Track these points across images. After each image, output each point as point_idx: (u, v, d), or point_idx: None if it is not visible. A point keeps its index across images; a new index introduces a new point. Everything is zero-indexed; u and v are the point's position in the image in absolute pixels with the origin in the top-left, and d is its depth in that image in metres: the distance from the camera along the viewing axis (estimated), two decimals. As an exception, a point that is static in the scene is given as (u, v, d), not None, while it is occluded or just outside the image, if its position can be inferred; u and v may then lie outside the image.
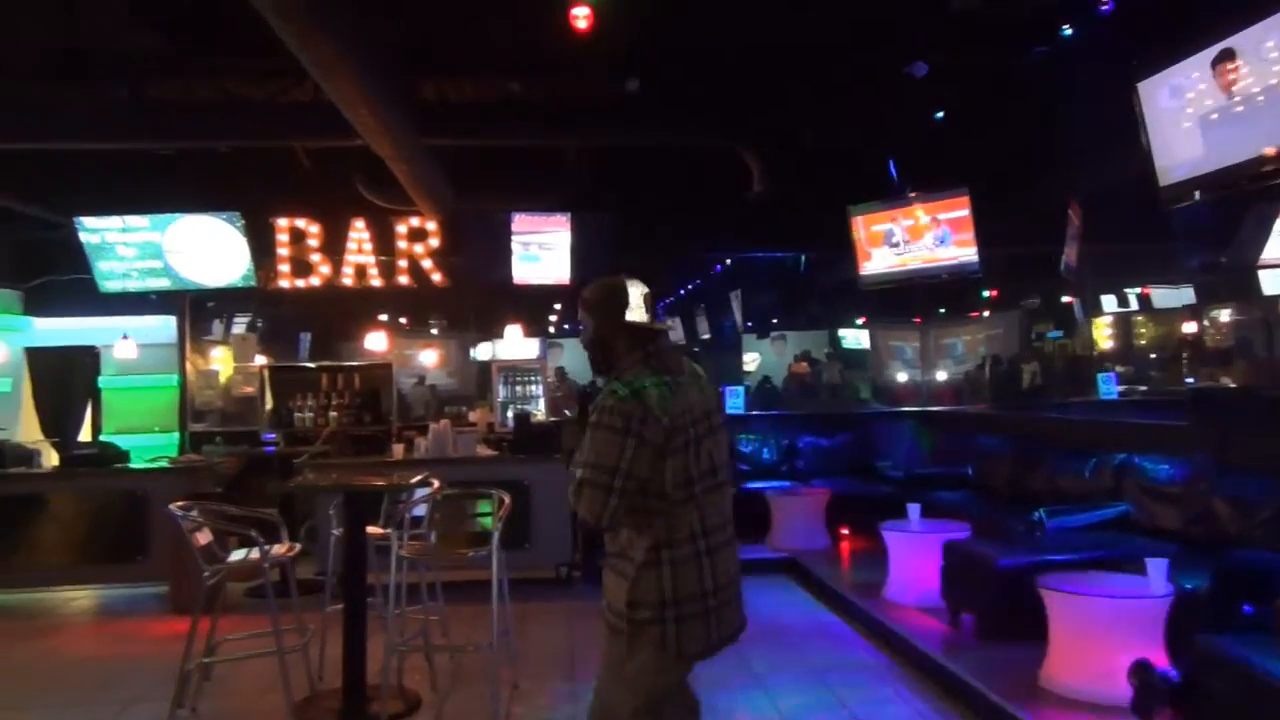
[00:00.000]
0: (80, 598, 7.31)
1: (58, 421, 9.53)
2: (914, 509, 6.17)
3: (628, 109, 7.34)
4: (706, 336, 19.24)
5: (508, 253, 9.60)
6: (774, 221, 10.23)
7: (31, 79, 6.59)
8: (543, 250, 9.72)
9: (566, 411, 10.28)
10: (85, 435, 9.52)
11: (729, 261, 15.77)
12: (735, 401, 10.00)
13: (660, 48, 6.70)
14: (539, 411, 10.17)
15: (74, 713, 4.78)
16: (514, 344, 12.55)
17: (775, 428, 9.93)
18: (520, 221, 9.61)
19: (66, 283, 9.72)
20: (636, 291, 2.71)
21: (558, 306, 18.47)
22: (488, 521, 5.08)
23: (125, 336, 9.54)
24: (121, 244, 9.10)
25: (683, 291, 20.25)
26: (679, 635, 2.55)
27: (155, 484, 7.15)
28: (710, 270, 17.38)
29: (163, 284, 9.25)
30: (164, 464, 7.65)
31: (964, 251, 8.86)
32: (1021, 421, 8.28)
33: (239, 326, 11.39)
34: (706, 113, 7.55)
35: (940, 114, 7.55)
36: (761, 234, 11.34)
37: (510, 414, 9.35)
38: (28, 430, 9.36)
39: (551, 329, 19.48)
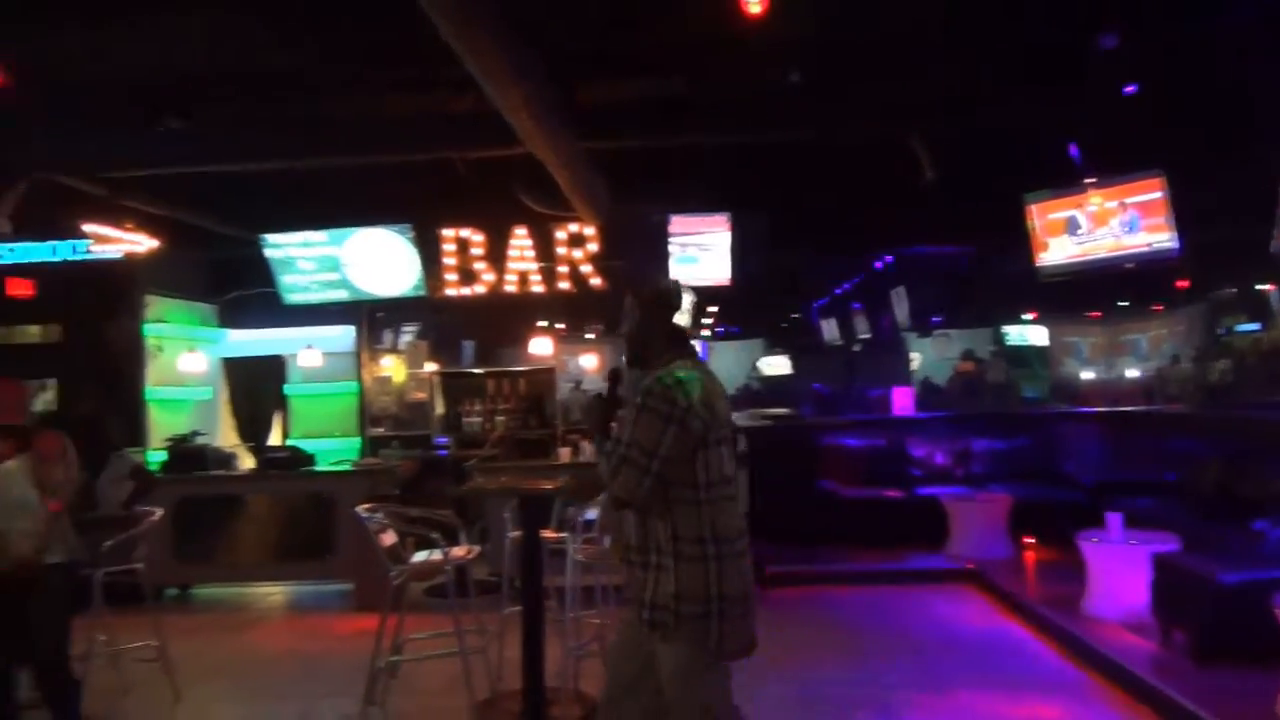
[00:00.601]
0: (275, 593, 7.73)
1: (252, 426, 10.19)
2: (1114, 519, 5.71)
3: (790, 101, 7.15)
4: (865, 336, 18.70)
5: (665, 255, 9.58)
6: (940, 213, 9.78)
7: (221, 105, 7.01)
8: (701, 251, 9.65)
9: None
10: (276, 439, 10.13)
11: (890, 258, 15.26)
12: (903, 403, 9.61)
13: (823, 36, 6.49)
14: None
15: (273, 705, 5.03)
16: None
17: (947, 430, 9.48)
18: (678, 223, 9.57)
19: (255, 296, 10.34)
20: (688, 299, 3.00)
21: (714, 309, 18.36)
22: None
23: (309, 346, 10.06)
24: (302, 258, 9.61)
25: (839, 290, 19.77)
26: (721, 631, 2.56)
27: (339, 486, 7.48)
28: (869, 267, 16.87)
29: (341, 295, 9.71)
30: (347, 467, 8.00)
31: (1157, 237, 8.19)
32: (1231, 422, 7.57)
33: (410, 335, 11.84)
34: (872, 100, 7.27)
35: (1130, 89, 6.98)
36: (927, 227, 10.88)
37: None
38: (226, 435, 10.03)
39: (708, 331, 19.39)
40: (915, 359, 18.20)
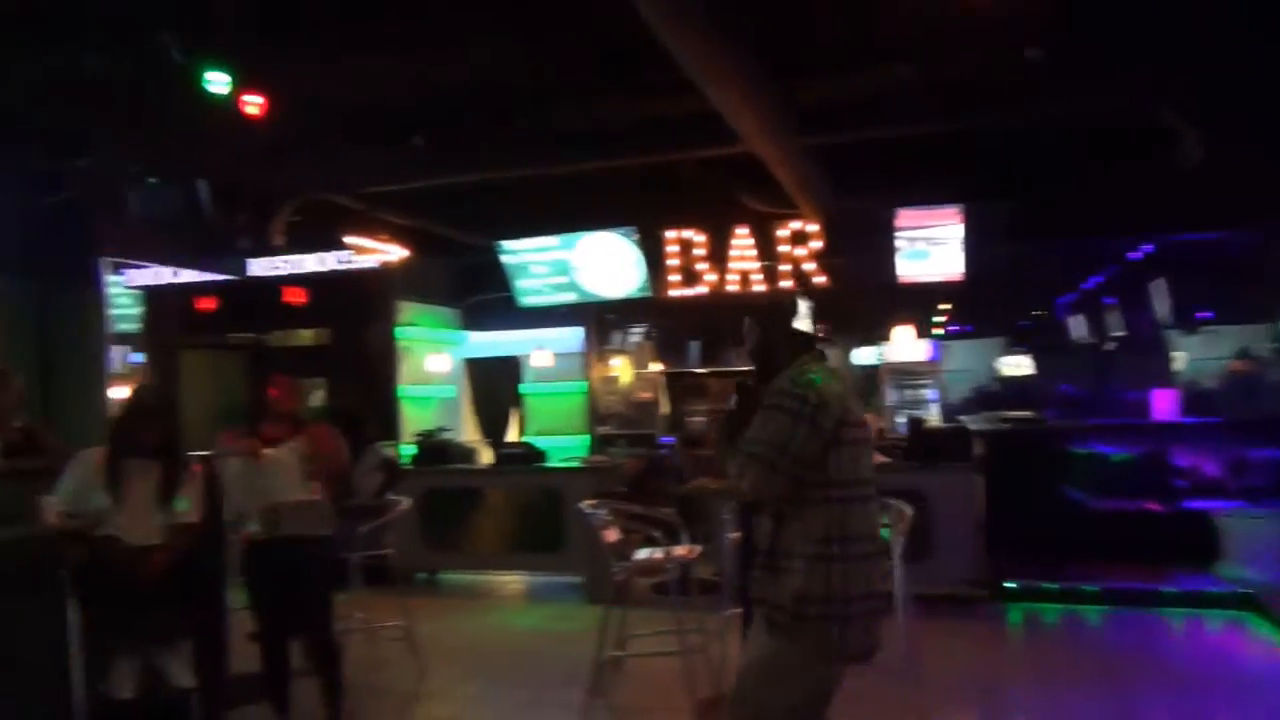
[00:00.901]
0: (511, 582, 8.15)
1: (491, 423, 10.79)
2: None
3: (1030, 82, 6.65)
4: (1120, 334, 17.12)
5: (891, 250, 9.22)
6: (1206, 196, 8.77)
7: (462, 121, 7.45)
8: (931, 245, 9.19)
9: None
10: (512, 435, 10.68)
11: (1149, 247, 13.87)
12: (1165, 406, 8.71)
13: (1064, 7, 5.98)
14: (932, 416, 9.63)
15: (507, 689, 5.27)
16: (903, 346, 12.07)
17: (1218, 437, 8.49)
18: (905, 217, 9.17)
19: (494, 300, 10.95)
20: (804, 304, 2.87)
21: (945, 306, 17.48)
22: (885, 533, 4.80)
23: (540, 347, 10.52)
24: (535, 263, 10.06)
25: (1088, 284, 18.22)
26: (843, 634, 2.50)
27: (570, 482, 7.76)
28: (1123, 258, 15.42)
29: (570, 297, 10.08)
30: (576, 464, 8.29)
31: None
32: None
33: (636, 336, 12.12)
34: (1124, 74, 6.62)
35: None
36: (1190, 211, 9.78)
37: (901, 419, 8.94)
38: (468, 431, 10.69)
39: (939, 330, 18.52)
40: (1179, 358, 16.46)
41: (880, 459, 7.26)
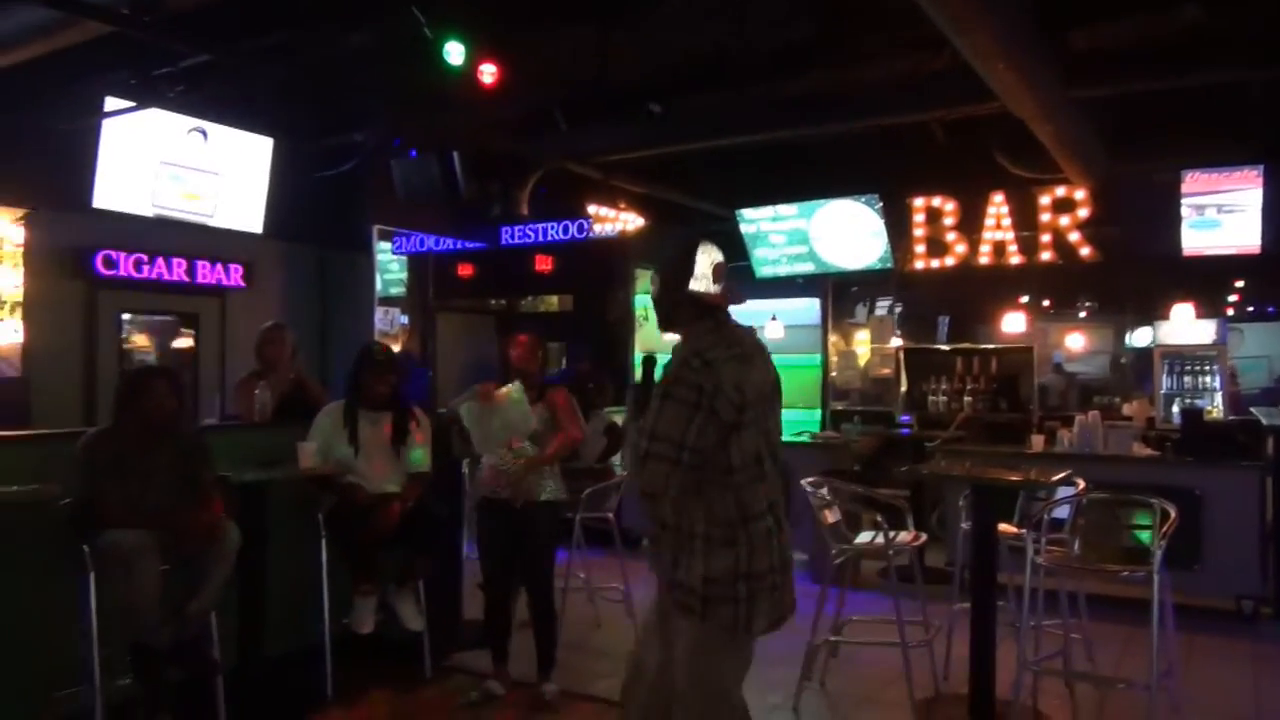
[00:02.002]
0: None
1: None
2: None
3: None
4: None
5: (1175, 219, 8.19)
6: None
7: (699, 87, 7.37)
8: (1223, 214, 8.08)
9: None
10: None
11: None
12: None
13: None
14: (1215, 407, 8.53)
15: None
16: (1181, 327, 10.75)
17: None
18: (1193, 181, 8.11)
19: (730, 270, 10.86)
20: (706, 259, 2.61)
21: (1239, 283, 15.42)
22: (1145, 535, 4.27)
23: (773, 318, 10.33)
24: (773, 232, 9.86)
25: None
26: (751, 612, 2.50)
27: (798, 457, 7.54)
28: None
29: (807, 268, 9.81)
30: (806, 439, 8.07)
31: None
32: None
33: (880, 310, 11.62)
34: None
35: None
36: None
37: (1176, 409, 7.97)
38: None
39: (1231, 309, 16.39)
40: None
41: (1146, 451, 6.52)
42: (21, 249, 7.12)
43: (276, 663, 4.48)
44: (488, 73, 5.16)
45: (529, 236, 10.07)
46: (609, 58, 6.70)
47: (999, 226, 8.90)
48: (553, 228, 9.85)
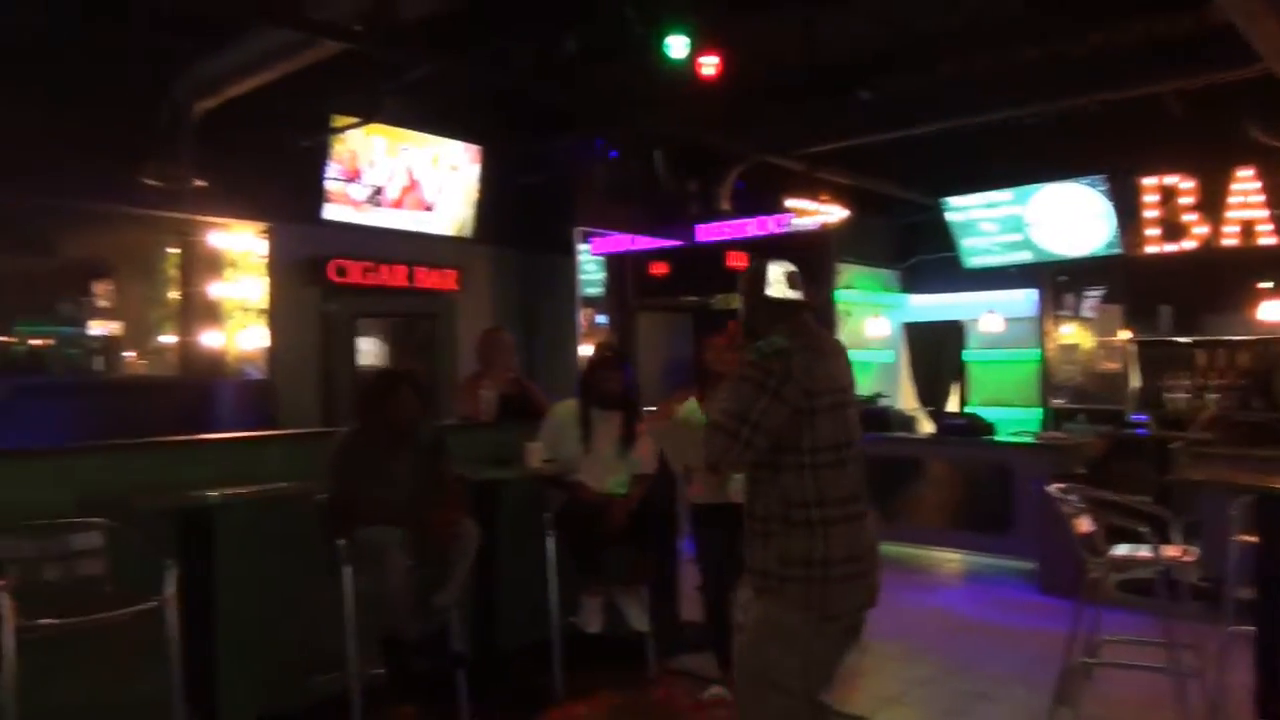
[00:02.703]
0: (950, 560, 7.70)
1: (931, 391, 10.31)
2: None
3: None
4: None
5: None
6: None
7: (909, 69, 7.04)
8: None
9: None
10: (953, 405, 10.10)
11: None
12: None
13: None
14: None
15: (953, 679, 4.93)
16: None
17: None
18: None
19: (934, 261, 10.41)
20: (778, 269, 2.84)
21: None
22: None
23: (990, 311, 9.76)
24: (984, 220, 9.34)
25: None
26: (824, 595, 2.57)
27: (1020, 458, 7.11)
28: None
29: (1024, 257, 9.23)
30: (1028, 439, 7.57)
31: None
32: None
33: (1099, 298, 10.78)
34: None
35: None
36: None
37: None
38: (905, 398, 10.31)
39: None
40: None
41: None
42: (266, 260, 7.70)
43: (507, 657, 4.60)
44: (708, 64, 5.10)
45: (726, 233, 9.96)
46: (814, 43, 6.51)
47: (1247, 204, 8.07)
48: (750, 223, 9.70)
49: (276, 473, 3.93)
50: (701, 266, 10.76)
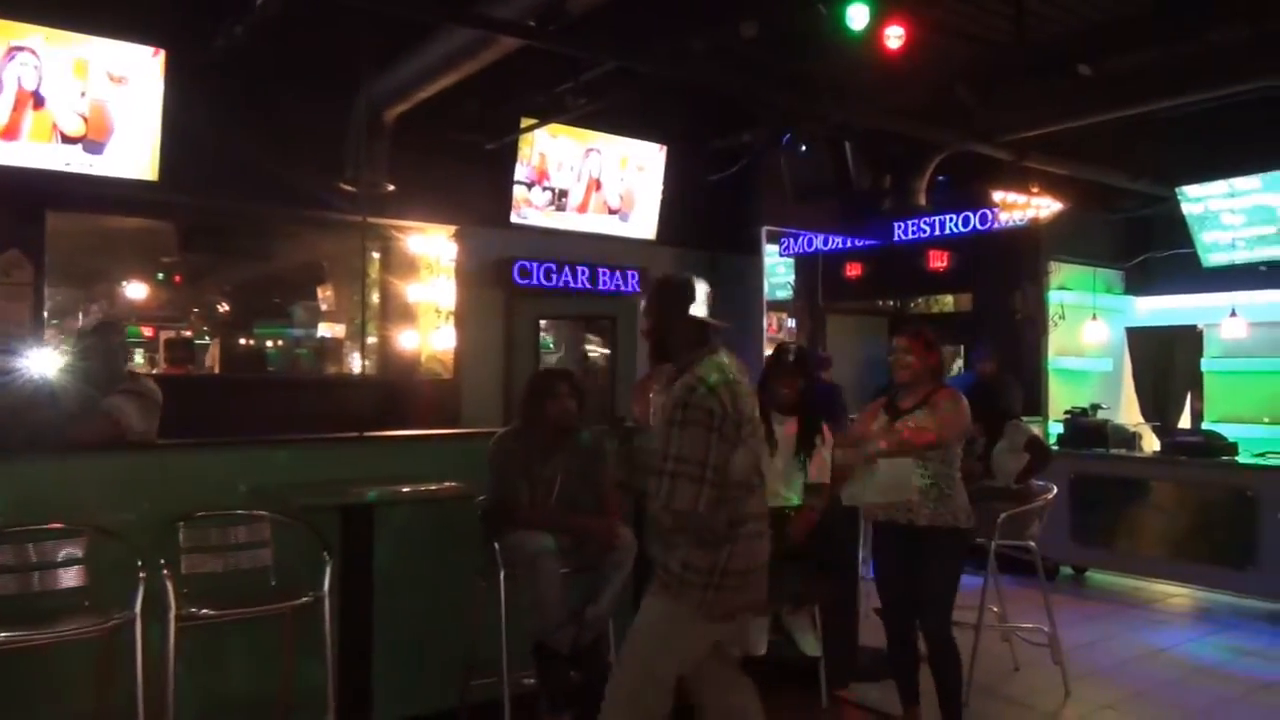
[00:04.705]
0: (1175, 595, 6.81)
1: (1158, 405, 9.25)
2: None
3: None
4: None
5: None
6: None
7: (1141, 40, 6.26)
8: None
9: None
10: (1185, 421, 9.02)
11: None
12: None
13: None
14: None
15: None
16: None
17: None
18: None
19: (1164, 259, 9.36)
20: (702, 287, 2.85)
21: None
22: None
23: (1233, 314, 8.59)
24: (1227, 211, 8.25)
25: None
26: (716, 599, 2.72)
27: (1267, 483, 6.18)
28: None
29: (1274, 253, 8.07)
30: (1278, 462, 6.57)
31: None
32: None
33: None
34: None
35: None
36: None
37: None
38: (1127, 412, 9.29)
39: None
40: None
41: None
42: (455, 263, 7.92)
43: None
44: (894, 36, 4.67)
45: (924, 231, 9.35)
46: (1025, 15, 5.90)
47: None
48: (951, 219, 9.04)
49: (443, 472, 3.91)
50: (899, 267, 10.21)
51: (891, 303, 11.73)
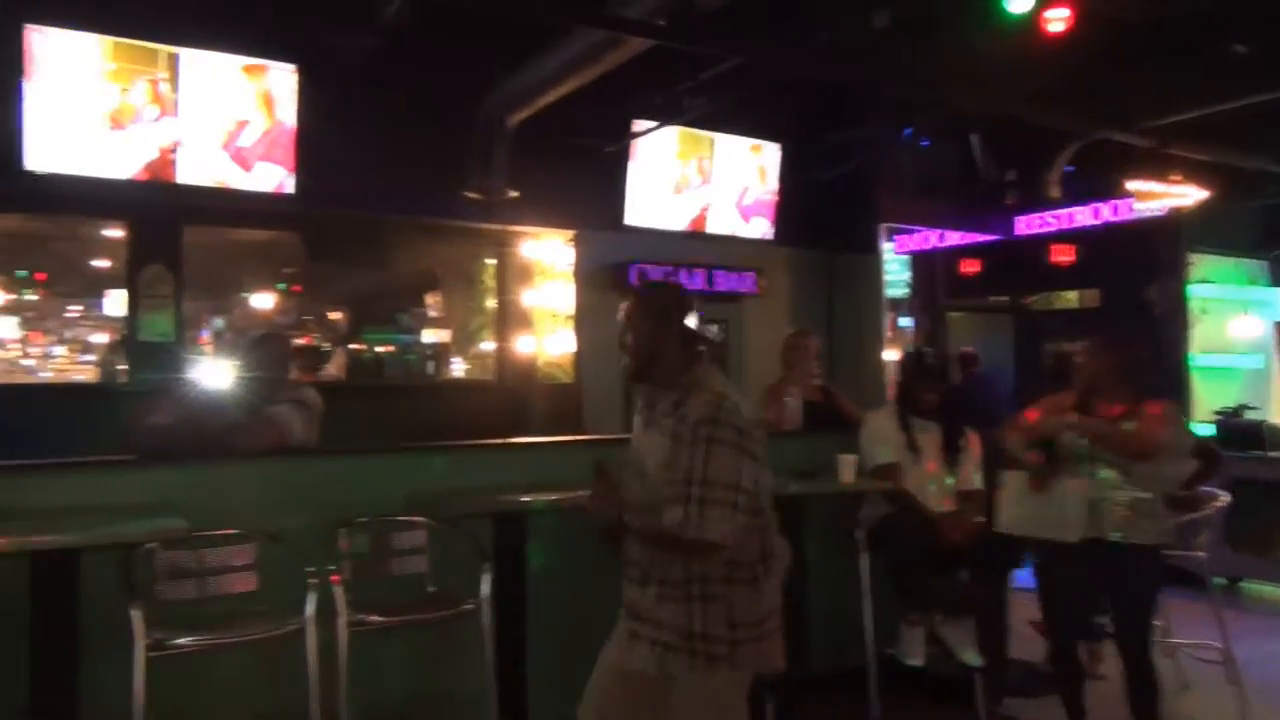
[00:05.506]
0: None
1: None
2: None
3: None
4: None
5: None
6: None
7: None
8: None
9: None
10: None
11: None
12: None
13: None
14: None
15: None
16: None
17: None
18: None
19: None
20: (693, 300, 2.62)
21: None
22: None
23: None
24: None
25: None
26: (770, 651, 2.44)
27: None
28: None
29: None
30: None
31: None
32: None
33: None
34: None
35: None
36: None
37: None
38: (1278, 411, 8.74)
39: None
40: None
41: None
42: (572, 267, 7.94)
43: (817, 683, 4.26)
44: (1057, 19, 4.45)
45: (1051, 224, 8.98)
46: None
47: None
48: (1080, 211, 8.66)
49: (585, 477, 3.87)
50: (1021, 262, 9.85)
51: (1010, 299, 11.34)
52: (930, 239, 9.70)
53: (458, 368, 9.18)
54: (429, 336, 9.78)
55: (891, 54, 6.10)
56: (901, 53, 5.98)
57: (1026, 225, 9.12)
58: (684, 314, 2.56)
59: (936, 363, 4.36)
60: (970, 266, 10.58)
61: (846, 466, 4.11)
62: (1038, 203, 8.66)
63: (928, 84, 6.31)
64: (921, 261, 10.31)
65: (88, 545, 2.74)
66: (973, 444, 4.33)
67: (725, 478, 2.33)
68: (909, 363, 4.51)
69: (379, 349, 10.51)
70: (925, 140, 7.44)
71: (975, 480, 4.27)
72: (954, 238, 9.54)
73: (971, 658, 4.09)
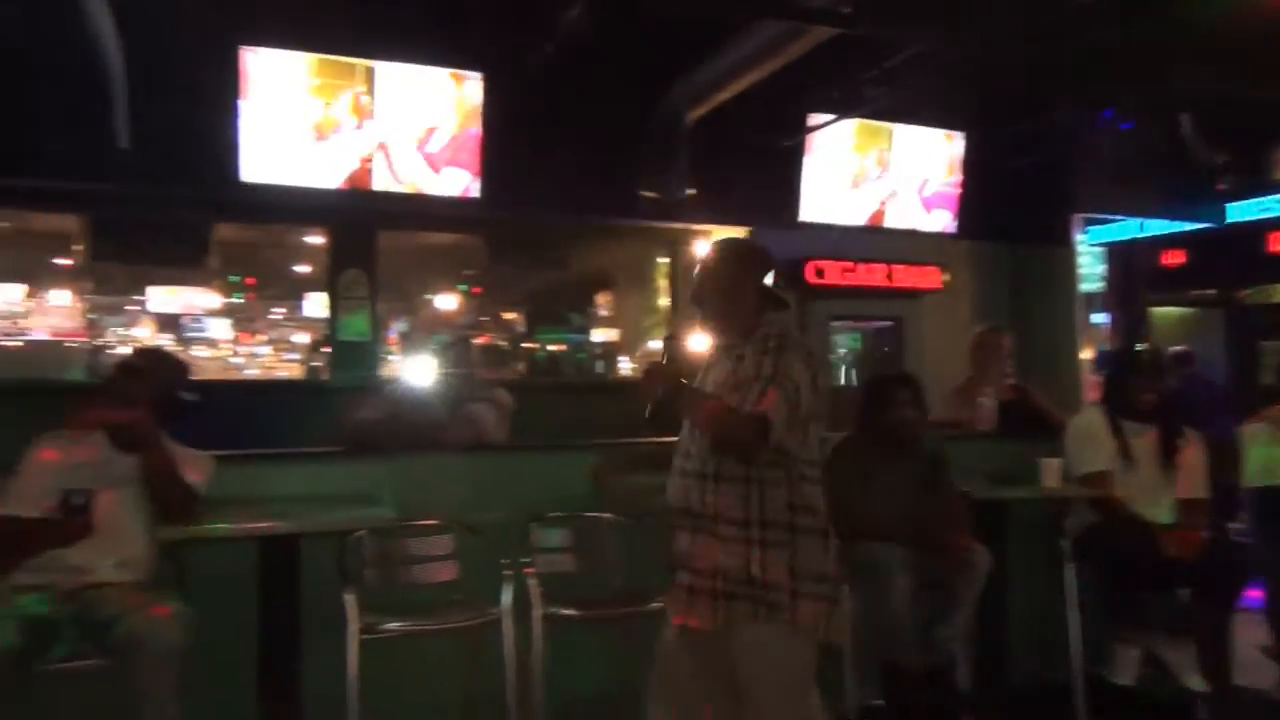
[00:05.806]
0: None
1: None
2: None
3: None
4: None
5: None
6: None
7: None
8: None
9: None
10: None
11: None
12: None
13: None
14: None
15: None
16: None
17: None
18: None
19: None
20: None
21: None
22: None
23: None
24: None
25: None
26: (836, 616, 2.35)
27: None
28: None
29: None
30: None
31: None
32: None
33: None
34: None
35: None
36: None
37: None
38: None
39: None
40: None
41: None
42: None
43: (1018, 700, 4.03)
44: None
45: (1271, 210, 8.18)
46: None
47: None
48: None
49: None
50: (1233, 252, 9.03)
51: (1220, 292, 10.42)
52: (1129, 229, 9.03)
53: (625, 366, 9.26)
54: (599, 335, 9.94)
55: (1096, 33, 5.67)
56: (1109, 33, 5.54)
57: (1241, 211, 8.35)
58: (764, 269, 2.53)
59: (1156, 360, 4.03)
60: (1174, 258, 9.81)
61: (1051, 471, 3.87)
62: (1256, 187, 7.92)
63: (1138, 62, 5.84)
64: (1118, 253, 9.62)
65: (310, 532, 2.89)
66: (1194, 448, 3.99)
67: (789, 375, 2.31)
68: (1122, 361, 4.19)
69: (550, 348, 10.78)
70: (1127, 124, 6.89)
71: (1198, 489, 3.93)
72: (1155, 227, 8.85)
73: (1196, 682, 3.77)
